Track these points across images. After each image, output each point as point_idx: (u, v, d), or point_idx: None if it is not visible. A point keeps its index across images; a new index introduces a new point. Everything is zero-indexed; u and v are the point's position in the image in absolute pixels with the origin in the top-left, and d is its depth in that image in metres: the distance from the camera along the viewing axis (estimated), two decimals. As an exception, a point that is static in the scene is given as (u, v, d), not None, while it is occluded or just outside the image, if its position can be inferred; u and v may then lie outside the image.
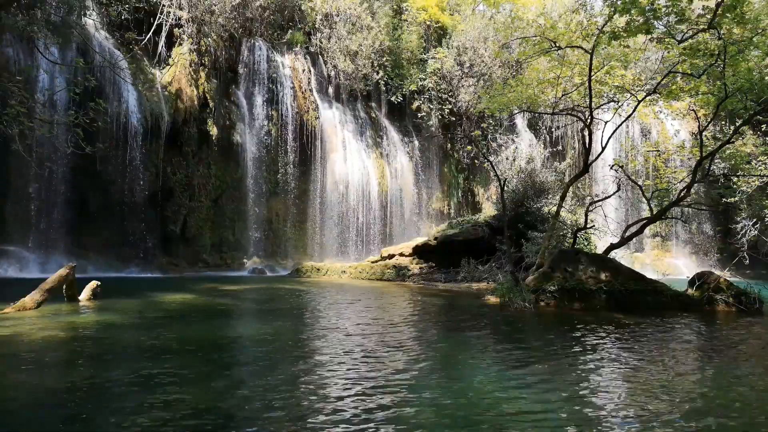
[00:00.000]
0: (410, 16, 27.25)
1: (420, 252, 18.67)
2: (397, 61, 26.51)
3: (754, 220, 20.36)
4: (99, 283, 9.89)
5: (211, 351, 5.96)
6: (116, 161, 18.06)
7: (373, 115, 26.58)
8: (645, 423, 3.75)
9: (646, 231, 20.27)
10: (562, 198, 13.57)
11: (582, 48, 12.34)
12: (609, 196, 14.70)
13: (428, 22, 27.78)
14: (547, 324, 8.62)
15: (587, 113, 12.98)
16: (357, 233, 24.03)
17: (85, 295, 9.53)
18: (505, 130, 27.48)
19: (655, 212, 13.50)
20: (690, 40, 10.91)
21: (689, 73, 11.79)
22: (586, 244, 15.34)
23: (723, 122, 20.10)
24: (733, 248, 21.83)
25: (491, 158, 20.21)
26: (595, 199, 15.86)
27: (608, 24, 11.17)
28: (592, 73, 12.00)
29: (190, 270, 19.74)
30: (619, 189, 14.70)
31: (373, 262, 19.06)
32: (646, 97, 12.86)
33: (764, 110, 12.21)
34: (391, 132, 26.78)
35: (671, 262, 26.45)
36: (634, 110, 13.62)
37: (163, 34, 20.19)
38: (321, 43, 24.76)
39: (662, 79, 12.61)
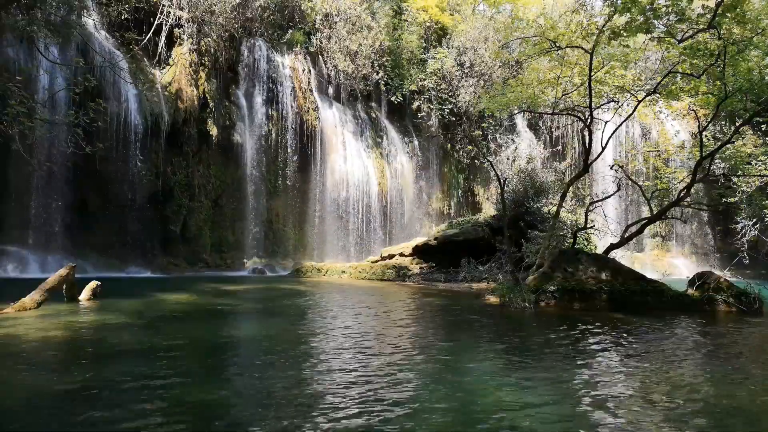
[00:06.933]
0: (410, 16, 27.26)
1: (420, 252, 18.66)
2: (397, 61, 26.52)
3: (754, 220, 20.34)
4: (99, 283, 9.88)
5: (211, 351, 5.96)
6: (116, 161, 18.04)
7: (373, 115, 26.58)
8: (646, 424, 3.75)
9: (646, 231, 20.25)
10: (562, 198, 13.56)
11: (582, 48, 12.33)
12: (609, 196, 14.69)
13: (428, 23, 27.78)
14: (548, 324, 8.62)
15: (587, 113, 12.97)
16: (357, 233, 24.03)
17: (85, 295, 9.52)
18: (505, 130, 27.48)
19: (655, 212, 13.49)
20: (690, 40, 10.89)
21: (689, 73, 11.79)
22: (586, 244, 15.35)
23: (723, 122, 20.09)
24: (733, 248, 21.82)
25: (491, 158, 20.19)
26: (595, 199, 15.85)
27: (608, 24, 11.16)
28: (592, 73, 12.00)
29: (190, 270, 19.74)
30: (619, 189, 14.68)
31: (373, 262, 19.05)
32: (646, 97, 12.84)
33: (764, 110, 12.19)
34: (391, 132, 26.78)
35: (671, 262, 26.45)
36: (634, 110, 13.61)
37: (163, 34, 20.19)
38: (321, 43, 24.76)
39: (662, 79, 12.59)
